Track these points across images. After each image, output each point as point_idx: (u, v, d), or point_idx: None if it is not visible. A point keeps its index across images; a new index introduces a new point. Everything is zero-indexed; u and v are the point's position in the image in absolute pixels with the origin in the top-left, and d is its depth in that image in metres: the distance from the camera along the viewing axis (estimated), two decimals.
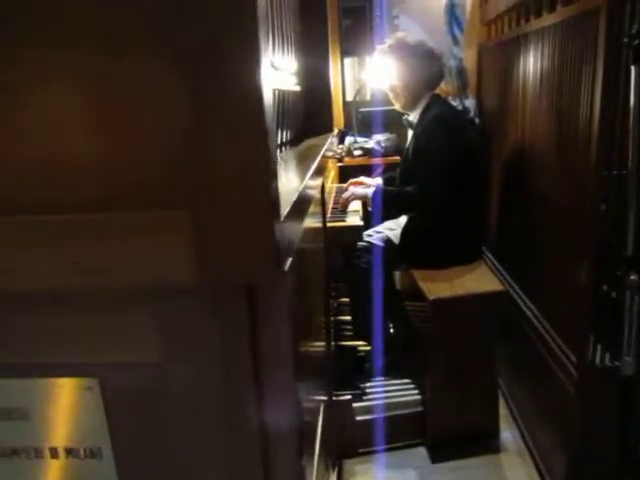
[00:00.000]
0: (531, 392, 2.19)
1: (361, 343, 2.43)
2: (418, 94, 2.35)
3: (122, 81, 0.58)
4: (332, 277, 2.25)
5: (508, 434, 2.23)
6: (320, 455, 1.20)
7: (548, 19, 1.99)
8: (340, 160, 3.09)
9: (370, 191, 2.35)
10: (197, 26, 0.53)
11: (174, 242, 0.60)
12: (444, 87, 2.67)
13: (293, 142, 1.55)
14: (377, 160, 3.19)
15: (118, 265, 0.61)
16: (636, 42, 1.37)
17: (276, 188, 0.61)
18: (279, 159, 1.19)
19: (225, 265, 0.60)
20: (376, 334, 2.34)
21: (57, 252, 0.60)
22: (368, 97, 3.68)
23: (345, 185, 2.57)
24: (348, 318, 2.61)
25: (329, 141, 1.73)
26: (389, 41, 2.41)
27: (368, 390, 2.28)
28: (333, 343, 2.20)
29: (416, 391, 2.29)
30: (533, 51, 2.12)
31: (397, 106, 2.46)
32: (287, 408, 0.73)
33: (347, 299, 2.63)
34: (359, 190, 2.39)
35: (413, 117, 2.40)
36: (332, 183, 2.70)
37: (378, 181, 2.61)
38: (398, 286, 2.75)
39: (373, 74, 3.00)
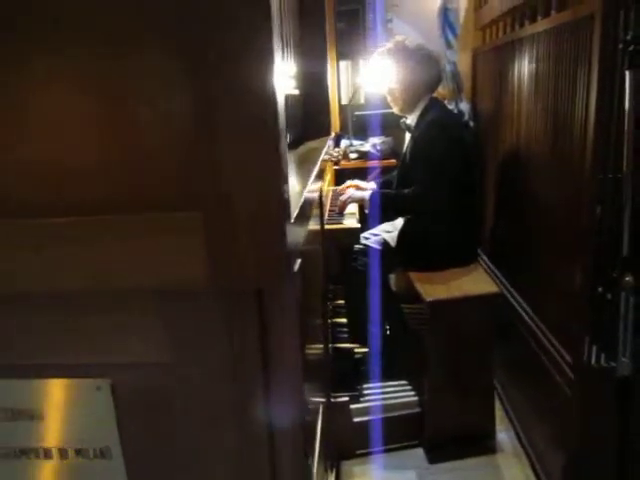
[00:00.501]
0: (527, 393, 2.21)
1: (357, 345, 2.44)
2: (416, 97, 2.37)
3: (140, 86, 0.59)
4: (329, 279, 2.26)
5: (504, 435, 2.25)
6: (319, 456, 1.21)
7: (542, 24, 2.01)
8: (336, 163, 3.10)
9: (367, 194, 2.36)
10: (214, 34, 0.54)
11: (187, 243, 0.61)
12: (440, 90, 2.69)
13: (292, 145, 1.57)
14: (373, 163, 3.21)
15: (132, 266, 0.62)
16: (631, 48, 1.39)
17: (287, 191, 0.62)
18: None
19: (237, 266, 0.61)
20: (373, 336, 2.35)
21: (74, 254, 0.61)
22: (362, 100, 3.70)
23: (341, 188, 2.58)
24: (344, 320, 2.62)
25: (328, 144, 1.74)
26: (388, 44, 2.43)
27: (365, 392, 2.29)
28: (330, 345, 2.21)
29: (413, 392, 2.31)
30: (528, 56, 2.15)
31: (395, 109, 2.48)
32: (295, 408, 0.74)
33: (343, 301, 2.64)
34: (356, 193, 2.40)
35: (411, 120, 2.42)
36: (328, 186, 2.71)
37: (373, 185, 2.63)
38: (394, 288, 2.76)
39: (368, 77, 3.02)
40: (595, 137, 1.52)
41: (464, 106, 2.99)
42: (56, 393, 0.74)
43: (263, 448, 0.73)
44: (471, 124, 3.00)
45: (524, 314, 2.15)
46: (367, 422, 2.18)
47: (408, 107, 2.41)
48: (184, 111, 0.58)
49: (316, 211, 1.61)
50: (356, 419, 2.18)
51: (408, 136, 2.53)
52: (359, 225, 2.23)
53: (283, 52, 1.40)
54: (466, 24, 3.25)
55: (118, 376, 0.72)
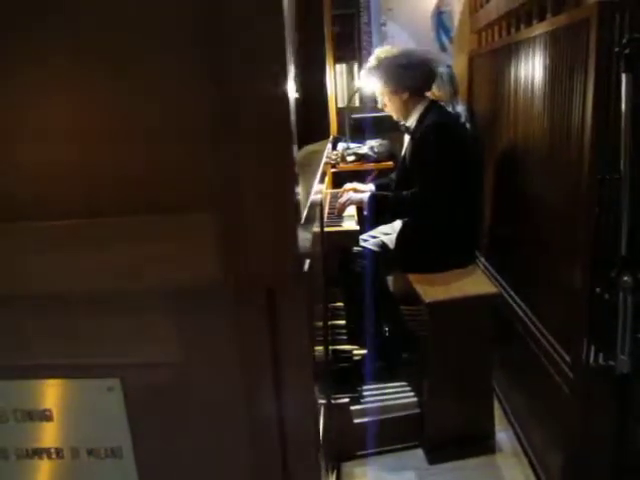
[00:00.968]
0: (526, 393, 2.22)
1: (356, 347, 2.45)
2: (407, 104, 2.39)
3: (153, 88, 0.60)
4: (328, 282, 2.27)
5: (503, 435, 2.27)
6: (321, 458, 1.22)
7: (539, 28, 2.04)
8: (334, 166, 3.12)
9: (366, 196, 2.38)
10: (230, 34, 0.55)
11: (200, 244, 0.62)
12: (436, 93, 2.71)
13: None
14: (370, 165, 3.23)
15: (146, 267, 0.63)
16: (627, 51, 1.41)
17: (298, 192, 0.63)
18: None
19: (249, 266, 0.63)
20: (372, 338, 2.36)
21: (89, 256, 0.62)
22: (358, 103, 3.73)
23: (340, 190, 2.60)
24: (343, 323, 2.63)
25: (328, 147, 1.76)
26: (369, 61, 2.45)
27: (365, 393, 2.30)
28: (329, 348, 2.22)
29: (413, 393, 2.32)
30: (524, 58, 2.17)
31: (394, 117, 2.51)
32: (305, 407, 0.75)
33: (342, 304, 2.65)
34: (355, 195, 2.42)
35: (410, 123, 2.44)
36: (327, 189, 2.73)
37: (371, 187, 2.64)
38: (392, 290, 2.78)
39: (363, 80, 3.04)
40: (592, 138, 1.54)
41: (460, 108, 3.01)
42: (68, 394, 0.74)
43: (274, 447, 0.74)
44: (467, 126, 3.02)
45: (523, 314, 2.17)
46: (367, 423, 2.19)
47: (403, 114, 2.43)
48: (198, 114, 0.60)
49: (317, 213, 1.62)
50: (356, 420, 2.19)
51: (407, 138, 2.54)
52: (358, 227, 2.24)
53: None
54: (461, 27, 3.28)
55: (129, 376, 0.73)
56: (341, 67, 3.86)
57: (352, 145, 3.38)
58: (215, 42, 0.56)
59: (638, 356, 1.48)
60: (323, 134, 1.99)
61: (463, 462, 2.13)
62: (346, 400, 2.19)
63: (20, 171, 0.63)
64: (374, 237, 2.47)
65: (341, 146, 3.36)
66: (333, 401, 2.10)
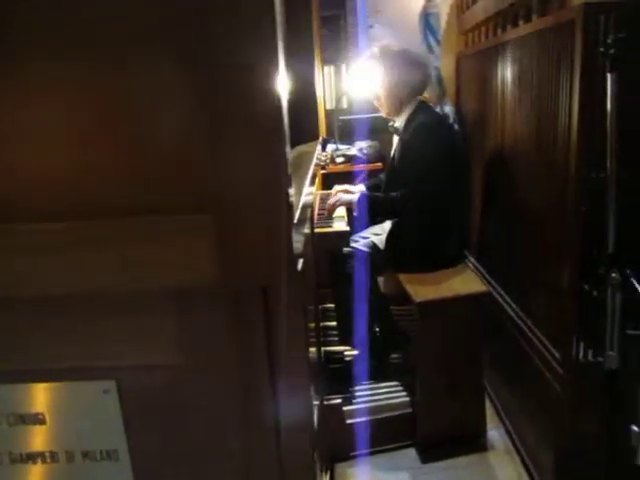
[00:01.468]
0: (516, 390, 2.24)
1: (348, 348, 2.46)
2: (402, 101, 2.40)
3: (151, 92, 0.60)
4: (318, 283, 2.28)
5: (495, 432, 2.28)
6: (316, 457, 1.22)
7: (525, 29, 2.06)
8: (323, 167, 3.12)
9: (356, 197, 2.39)
10: (222, 36, 0.55)
11: (197, 245, 0.62)
12: (426, 94, 2.73)
13: None
14: (360, 167, 3.24)
15: (145, 268, 0.63)
16: (612, 51, 1.43)
17: (292, 194, 0.64)
18: None
19: (245, 266, 0.63)
20: (363, 338, 2.37)
21: (90, 257, 0.62)
22: (346, 105, 3.74)
23: (332, 192, 2.60)
24: (334, 324, 2.64)
25: (318, 148, 1.76)
26: (374, 48, 2.45)
27: (357, 394, 2.30)
28: (322, 348, 2.23)
29: (405, 393, 2.33)
30: (511, 59, 2.19)
31: (382, 113, 2.51)
32: (301, 406, 0.75)
33: (333, 305, 2.65)
34: (345, 196, 2.43)
35: (399, 123, 2.45)
36: (316, 190, 2.73)
37: (361, 188, 2.65)
38: (383, 290, 2.79)
39: (352, 82, 3.06)
40: (579, 138, 1.56)
41: (448, 109, 3.04)
42: (63, 396, 0.74)
43: (271, 448, 0.74)
44: (456, 127, 3.04)
45: (512, 313, 2.18)
46: (360, 424, 2.20)
47: (395, 110, 2.43)
48: (195, 116, 0.60)
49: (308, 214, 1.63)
50: (349, 421, 2.20)
51: (396, 139, 2.55)
52: (348, 228, 2.25)
53: None
54: (448, 29, 3.30)
55: (125, 378, 0.73)
56: (329, 69, 3.87)
57: (341, 147, 3.39)
58: (211, 44, 0.56)
59: (626, 352, 1.50)
60: (312, 135, 2.00)
61: (456, 460, 2.14)
62: (338, 401, 2.20)
63: (19, 172, 0.63)
64: (364, 238, 2.48)
65: (330, 148, 3.37)
66: (326, 402, 2.10)
